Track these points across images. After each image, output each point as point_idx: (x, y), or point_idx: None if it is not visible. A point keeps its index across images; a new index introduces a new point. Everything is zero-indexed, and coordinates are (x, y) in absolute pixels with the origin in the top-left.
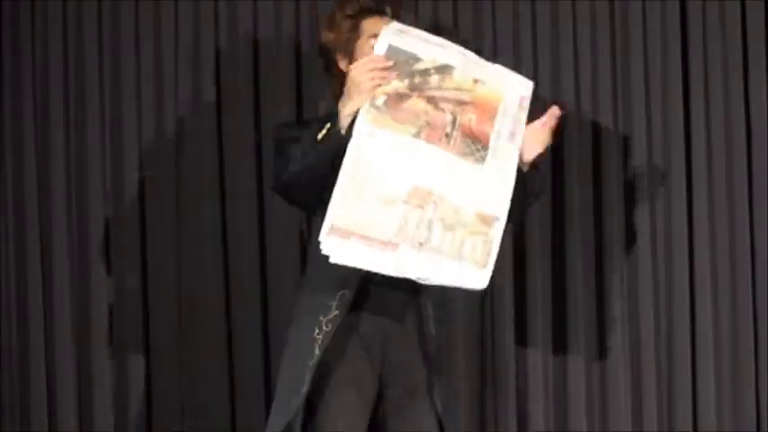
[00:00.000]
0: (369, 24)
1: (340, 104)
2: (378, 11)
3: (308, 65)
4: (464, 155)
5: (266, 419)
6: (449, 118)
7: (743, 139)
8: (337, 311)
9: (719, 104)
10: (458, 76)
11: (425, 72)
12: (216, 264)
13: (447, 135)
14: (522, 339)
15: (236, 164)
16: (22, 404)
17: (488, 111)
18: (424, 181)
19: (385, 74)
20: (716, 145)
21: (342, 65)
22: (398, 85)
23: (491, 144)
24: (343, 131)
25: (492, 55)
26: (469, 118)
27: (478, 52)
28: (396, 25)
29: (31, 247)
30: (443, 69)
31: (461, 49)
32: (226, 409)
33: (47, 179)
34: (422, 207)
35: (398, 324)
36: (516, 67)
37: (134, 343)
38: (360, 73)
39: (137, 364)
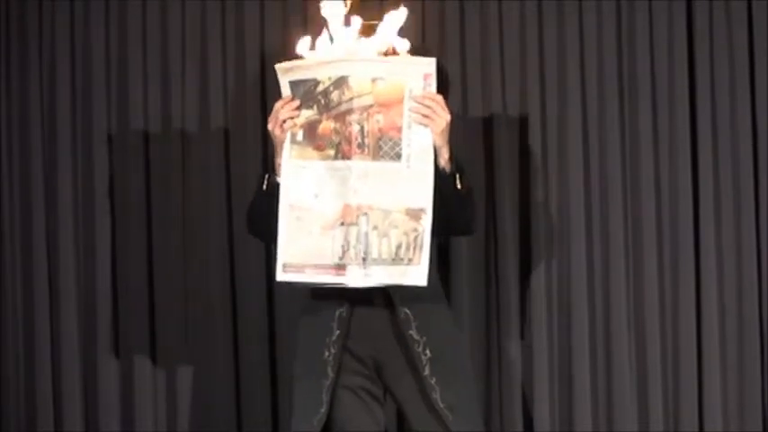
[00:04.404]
0: None
1: (276, 159)
2: None
3: None
4: (380, 157)
5: (272, 423)
6: (356, 128)
7: (749, 141)
8: (338, 331)
9: (725, 106)
10: (354, 83)
11: (326, 92)
12: (222, 265)
13: (360, 145)
14: (527, 340)
15: (243, 164)
16: (27, 406)
17: (394, 104)
18: (351, 197)
19: (294, 112)
20: (722, 148)
21: None
22: (308, 113)
23: (403, 135)
24: (279, 179)
25: (498, 55)
26: (377, 120)
27: (484, 52)
28: (281, 66)
29: (38, 247)
30: (339, 83)
31: (353, 54)
32: (232, 411)
33: (53, 182)
34: (355, 223)
35: (382, 336)
36: (522, 68)
37: (140, 346)
38: (272, 127)
39: (143, 366)
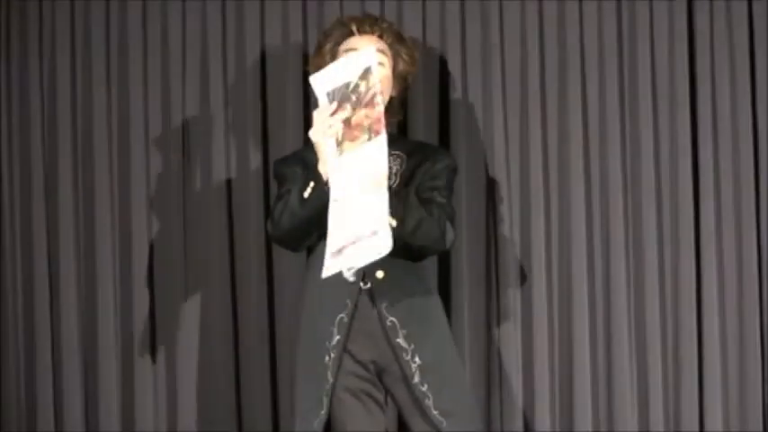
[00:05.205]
0: (344, 44)
1: (319, 166)
2: (359, 32)
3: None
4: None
5: (272, 423)
6: (381, 108)
7: (749, 141)
8: (339, 336)
9: (726, 106)
10: (374, 70)
11: (356, 88)
12: (222, 264)
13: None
14: (528, 339)
15: (244, 163)
16: (28, 406)
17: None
18: (379, 168)
19: (333, 118)
20: (722, 148)
21: None
22: (343, 115)
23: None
24: (326, 188)
25: (498, 55)
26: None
27: (484, 52)
28: (315, 78)
29: (38, 247)
30: (365, 74)
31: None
32: (232, 411)
33: (54, 182)
34: (382, 186)
35: (381, 342)
36: (522, 68)
37: (140, 345)
38: (316, 136)
39: (143, 366)
